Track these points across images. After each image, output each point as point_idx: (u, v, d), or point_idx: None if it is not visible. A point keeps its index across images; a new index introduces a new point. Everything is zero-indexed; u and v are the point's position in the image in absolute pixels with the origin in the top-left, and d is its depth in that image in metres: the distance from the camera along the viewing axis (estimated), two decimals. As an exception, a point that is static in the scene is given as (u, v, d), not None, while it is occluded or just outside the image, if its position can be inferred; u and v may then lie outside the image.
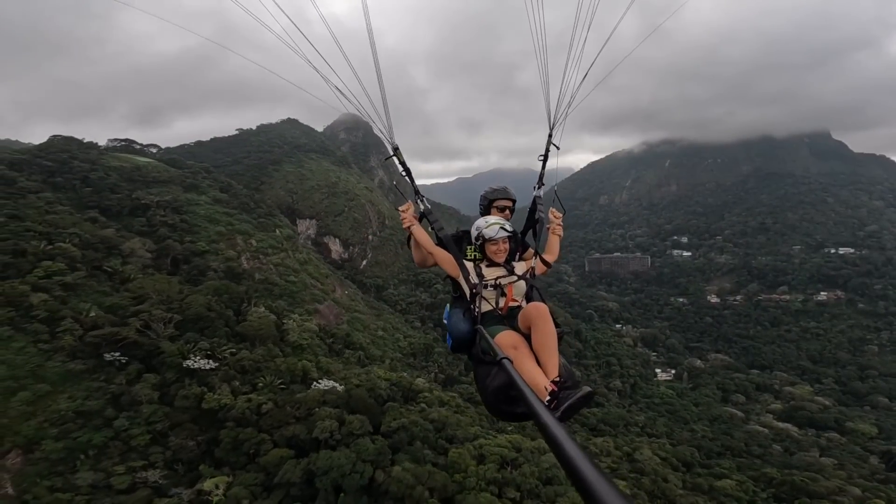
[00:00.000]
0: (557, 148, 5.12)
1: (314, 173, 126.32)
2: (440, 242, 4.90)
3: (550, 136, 5.05)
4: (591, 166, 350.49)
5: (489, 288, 4.39)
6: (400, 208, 5.01)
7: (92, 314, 51.81)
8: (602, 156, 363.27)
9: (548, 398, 3.31)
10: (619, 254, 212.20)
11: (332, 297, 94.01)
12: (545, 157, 5.18)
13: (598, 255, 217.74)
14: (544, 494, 36.69)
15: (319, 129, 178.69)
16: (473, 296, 4.36)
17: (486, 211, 5.18)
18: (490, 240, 4.53)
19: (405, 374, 68.99)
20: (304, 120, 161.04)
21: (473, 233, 4.71)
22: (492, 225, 4.56)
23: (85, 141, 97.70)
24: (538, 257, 4.80)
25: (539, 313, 3.88)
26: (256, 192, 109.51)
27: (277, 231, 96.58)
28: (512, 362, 2.86)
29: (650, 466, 54.68)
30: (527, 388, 2.18)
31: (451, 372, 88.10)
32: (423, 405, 54.52)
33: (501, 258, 4.57)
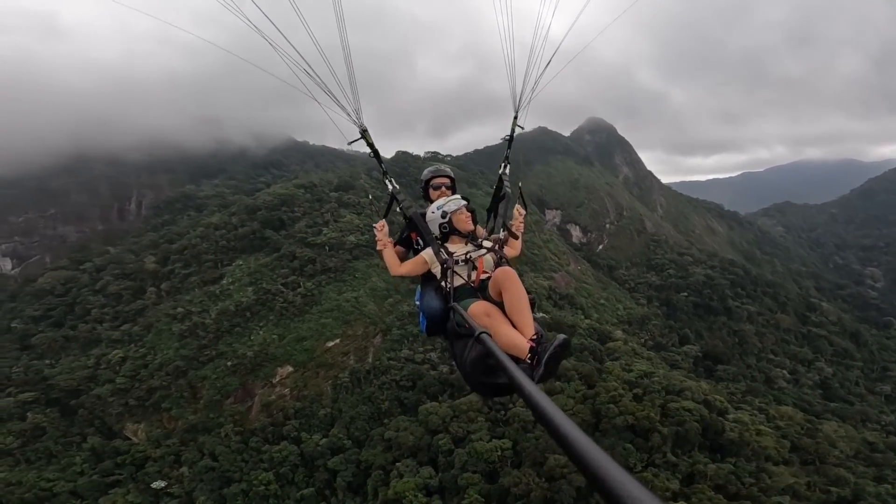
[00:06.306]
0: (522, 129, 5.42)
1: (559, 171, 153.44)
2: (409, 221, 5.14)
3: (516, 118, 5.30)
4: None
5: (460, 263, 4.54)
6: (375, 226, 5.21)
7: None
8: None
9: (528, 355, 3.43)
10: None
11: (567, 269, 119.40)
12: (510, 139, 5.54)
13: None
14: (663, 398, 54.23)
15: (566, 133, 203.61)
16: (445, 271, 4.49)
17: (425, 192, 5.59)
18: (455, 211, 4.74)
19: (609, 327, 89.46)
20: (552, 127, 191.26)
21: (435, 215, 4.84)
22: (450, 200, 4.85)
23: (413, 154, 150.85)
24: (507, 237, 4.89)
25: (507, 276, 4.00)
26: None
27: (528, 216, 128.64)
28: (490, 335, 2.85)
29: (825, 433, 61.23)
30: (506, 358, 2.21)
31: (661, 340, 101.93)
32: (609, 343, 75.29)
33: (470, 226, 4.79)
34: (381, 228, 5.16)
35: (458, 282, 4.44)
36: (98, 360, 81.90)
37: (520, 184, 5.37)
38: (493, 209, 5.36)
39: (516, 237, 5.00)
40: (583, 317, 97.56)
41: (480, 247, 4.70)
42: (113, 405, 75.54)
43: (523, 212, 5.26)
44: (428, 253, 4.75)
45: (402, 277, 5.14)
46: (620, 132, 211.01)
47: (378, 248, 5.11)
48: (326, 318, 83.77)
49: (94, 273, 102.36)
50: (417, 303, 4.87)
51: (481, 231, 5.14)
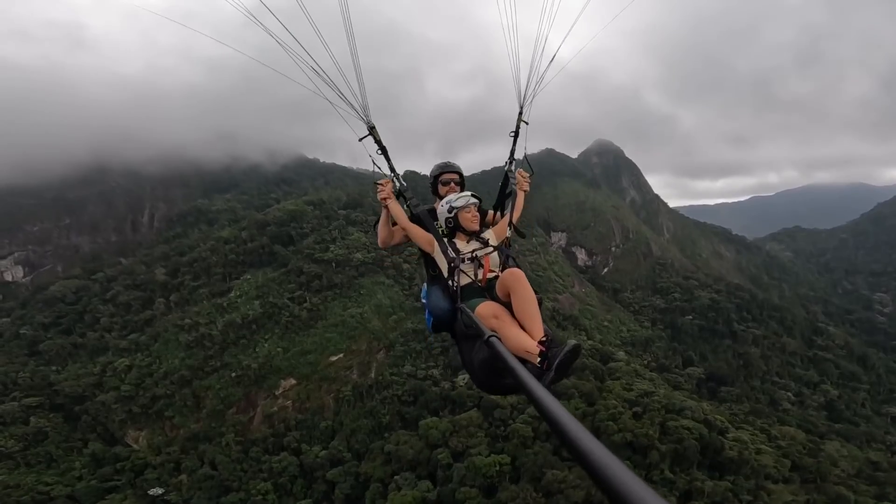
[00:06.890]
0: (527, 124, 5.31)
1: (566, 193, 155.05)
2: (415, 219, 5.02)
3: (521, 114, 5.23)
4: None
5: (466, 261, 4.48)
6: (379, 182, 5.03)
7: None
8: None
9: (538, 359, 3.39)
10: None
11: (571, 290, 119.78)
12: (515, 134, 5.30)
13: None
14: (662, 416, 54.25)
15: (574, 155, 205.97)
16: (452, 270, 4.42)
17: (434, 188, 5.35)
18: (462, 208, 4.62)
19: (611, 348, 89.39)
20: (559, 149, 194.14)
21: (443, 209, 4.71)
22: (461, 196, 4.68)
23: (421, 173, 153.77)
24: (511, 226, 4.87)
25: (515, 278, 3.94)
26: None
27: (533, 239, 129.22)
28: (499, 338, 2.83)
29: (827, 452, 60.44)
30: (516, 362, 2.22)
31: (665, 362, 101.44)
32: (611, 363, 75.37)
33: (476, 225, 4.68)
34: (386, 184, 4.99)
35: (464, 280, 4.39)
36: (104, 367, 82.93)
37: (525, 150, 5.29)
38: (499, 205, 5.27)
39: (523, 235, 5.08)
40: (586, 338, 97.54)
41: (486, 244, 4.63)
42: (116, 412, 76.28)
43: (527, 174, 5.23)
44: (436, 241, 4.68)
45: (397, 245, 5.12)
46: (628, 155, 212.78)
47: (381, 196, 4.90)
48: (331, 333, 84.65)
49: (105, 283, 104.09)
50: (423, 301, 4.80)
51: (491, 216, 5.16)
